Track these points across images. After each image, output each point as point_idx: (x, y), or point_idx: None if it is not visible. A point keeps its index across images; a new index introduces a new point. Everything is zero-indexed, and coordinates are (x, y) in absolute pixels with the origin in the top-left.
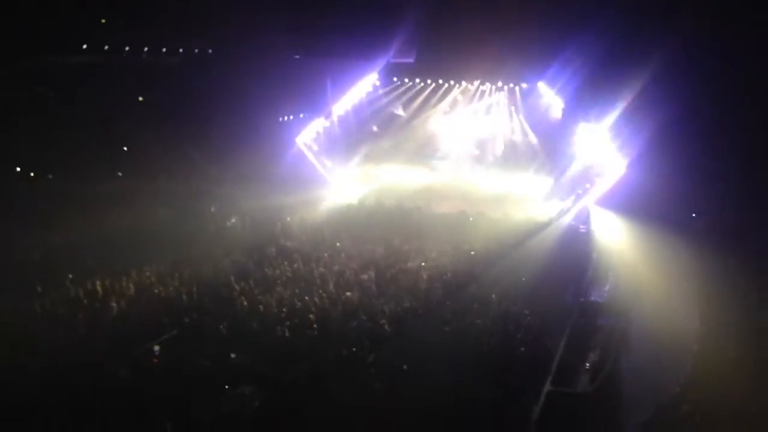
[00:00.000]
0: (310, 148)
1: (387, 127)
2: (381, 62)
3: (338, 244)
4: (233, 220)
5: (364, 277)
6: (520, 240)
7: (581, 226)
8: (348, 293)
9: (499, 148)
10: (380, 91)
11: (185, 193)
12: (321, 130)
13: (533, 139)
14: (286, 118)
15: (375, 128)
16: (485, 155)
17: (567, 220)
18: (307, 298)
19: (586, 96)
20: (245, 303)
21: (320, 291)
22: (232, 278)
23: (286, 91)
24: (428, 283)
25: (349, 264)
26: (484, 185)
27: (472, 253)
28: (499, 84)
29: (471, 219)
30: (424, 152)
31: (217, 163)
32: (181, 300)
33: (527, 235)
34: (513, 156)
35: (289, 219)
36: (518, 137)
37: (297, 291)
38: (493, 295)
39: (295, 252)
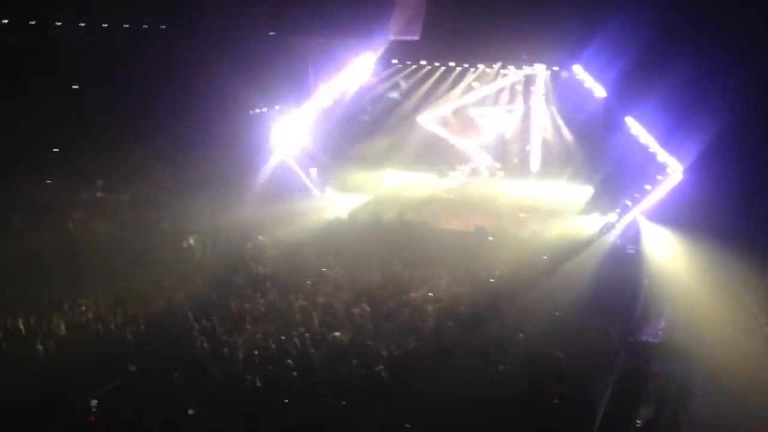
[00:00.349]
0: (288, 148)
1: (385, 121)
2: (377, 41)
3: (324, 269)
4: (191, 240)
5: (357, 311)
6: (553, 264)
7: (629, 247)
8: (336, 333)
9: (525, 148)
10: (377, 77)
11: (130, 205)
12: (302, 126)
13: (568, 136)
14: (258, 110)
15: (367, 117)
16: (508, 157)
17: (611, 238)
18: (284, 338)
19: (634, 83)
20: (206, 345)
21: (301, 329)
22: (190, 314)
23: (258, 76)
24: (437, 320)
25: (337, 295)
26: (506, 195)
27: (492, 280)
28: (525, 67)
29: (490, 238)
30: (431, 154)
31: (171, 168)
32: (125, 341)
33: (561, 258)
34: (543, 158)
35: (261, 238)
36: (549, 134)
37: (272, 329)
38: (520, 335)
39: (270, 280)
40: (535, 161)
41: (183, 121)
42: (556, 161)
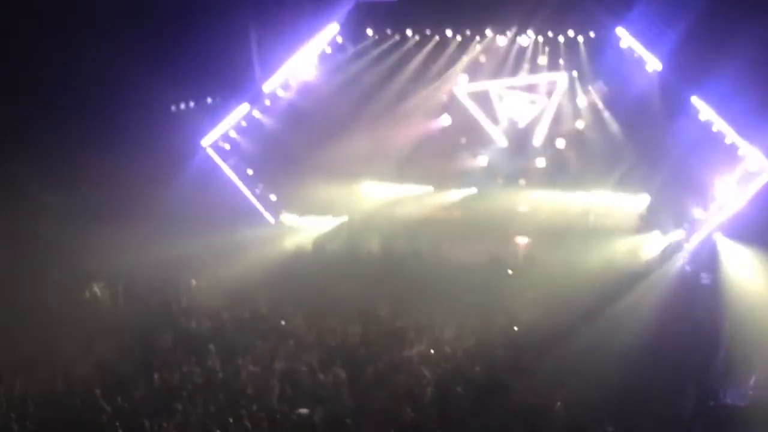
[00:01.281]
0: (227, 156)
1: (361, 115)
2: (343, 3)
3: (282, 322)
4: (95, 289)
5: (329, 379)
6: (599, 304)
7: (703, 275)
8: (302, 410)
9: (553, 145)
10: (346, 55)
11: (4, 244)
12: (246, 126)
13: (612, 126)
14: (181, 106)
15: (335, 111)
16: (530, 156)
17: (678, 264)
18: (231, 420)
19: (702, 51)
20: None
21: (253, 407)
22: (98, 392)
23: (179, 58)
24: (441, 386)
25: (302, 357)
26: (530, 210)
27: (516, 329)
28: (550, 33)
29: (510, 271)
30: (425, 157)
31: (61, 190)
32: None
33: (610, 296)
34: (579, 157)
35: (195, 282)
36: (586, 123)
37: (213, 409)
38: (558, 404)
39: (208, 340)
40: (569, 162)
41: (75, 127)
42: (596, 161)
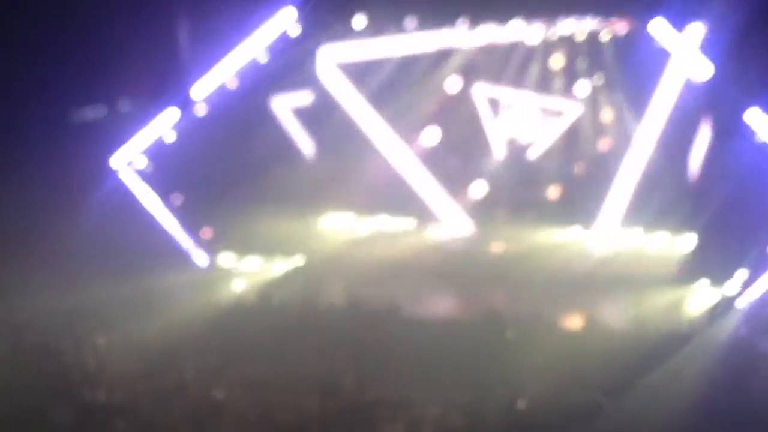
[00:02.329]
0: (146, 179)
1: (321, 128)
2: None
3: (216, 394)
4: None
5: None
6: (627, 375)
7: (762, 340)
8: None
9: (570, 170)
10: (303, 47)
11: None
12: (171, 140)
13: (646, 147)
14: (89, 114)
15: (289, 122)
16: (541, 185)
17: (730, 326)
18: None
19: (763, 55)
20: None
21: None
22: None
23: (84, 55)
24: None
25: None
26: (537, 254)
27: (520, 407)
28: (565, 26)
29: (511, 331)
30: (404, 183)
31: None
32: None
33: (641, 364)
34: (603, 186)
35: (102, 341)
36: (612, 144)
37: None
38: None
39: (118, 416)
40: (590, 193)
41: None
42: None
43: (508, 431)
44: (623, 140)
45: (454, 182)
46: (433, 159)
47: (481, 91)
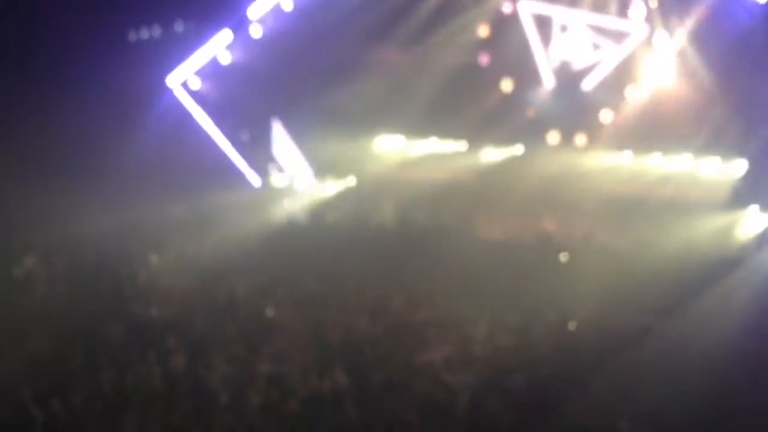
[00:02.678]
0: (201, 100)
1: (377, 49)
2: None
3: (268, 311)
4: (30, 264)
5: (327, 384)
6: (676, 298)
7: None
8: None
9: (623, 94)
10: None
11: None
12: (227, 60)
13: (700, 71)
14: (142, 34)
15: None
16: (593, 109)
17: None
18: None
19: None
20: None
21: (229, 418)
22: (28, 396)
23: None
24: (470, 400)
25: (292, 357)
26: (591, 178)
27: (570, 327)
28: None
29: (564, 253)
30: (456, 106)
31: None
32: None
33: (691, 288)
34: (656, 111)
35: (155, 259)
36: (667, 68)
37: (175, 420)
38: (622, 423)
39: (171, 332)
40: (643, 117)
41: (5, 60)
42: (678, 117)
43: (557, 352)
44: (678, 64)
45: (506, 105)
46: (484, 82)
47: (531, 10)
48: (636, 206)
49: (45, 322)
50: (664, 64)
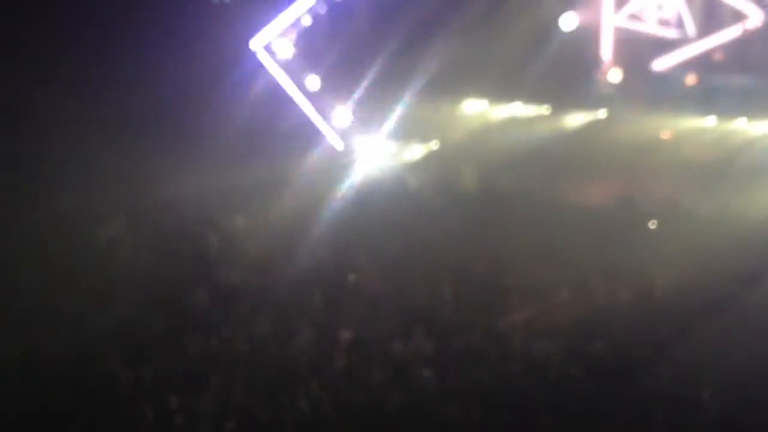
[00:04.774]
0: (284, 62)
1: (460, 11)
2: None
3: (351, 275)
4: (113, 229)
5: (409, 350)
6: (764, 265)
7: None
8: (366, 391)
9: (708, 54)
10: None
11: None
12: (310, 22)
13: None
14: None
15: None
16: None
17: None
18: (282, 399)
19: None
20: (145, 413)
21: (311, 384)
22: (114, 360)
23: None
24: (550, 366)
25: (374, 322)
26: (675, 140)
27: (657, 296)
28: None
29: (652, 220)
30: (539, 69)
31: (68, 96)
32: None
33: None
34: (743, 71)
35: (240, 222)
36: (754, 24)
37: (258, 384)
38: (707, 393)
39: (255, 297)
40: (730, 78)
41: (90, 21)
42: None
43: (641, 318)
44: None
45: (589, 67)
46: (568, 44)
47: None
48: (721, 171)
49: (129, 286)
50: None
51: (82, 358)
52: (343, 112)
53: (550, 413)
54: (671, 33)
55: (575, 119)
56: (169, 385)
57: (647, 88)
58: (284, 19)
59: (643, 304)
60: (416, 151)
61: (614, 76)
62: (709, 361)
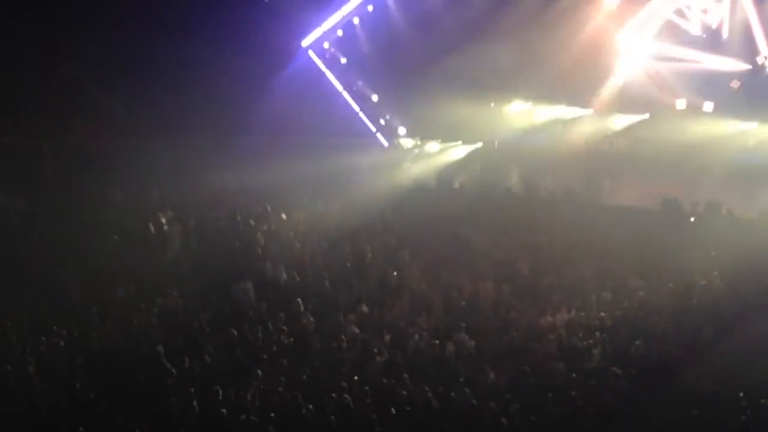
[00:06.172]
0: (333, 62)
1: (506, 16)
2: None
3: (395, 273)
4: (164, 221)
5: (450, 347)
6: None
7: None
8: (408, 387)
9: (752, 58)
10: None
11: (56, 161)
12: (358, 24)
13: None
14: None
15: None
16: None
17: None
18: (325, 393)
19: None
20: (191, 404)
21: (354, 378)
22: (162, 350)
23: None
24: (591, 364)
25: (418, 319)
26: (718, 144)
27: (695, 300)
28: None
29: (692, 219)
30: (584, 72)
31: (124, 92)
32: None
33: None
34: None
35: (285, 218)
36: None
37: (302, 377)
38: (740, 394)
39: (300, 292)
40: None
41: (145, 20)
42: None
43: (679, 319)
44: None
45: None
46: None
47: None
48: (764, 174)
49: (177, 279)
50: None
51: (129, 346)
52: (390, 111)
53: (588, 410)
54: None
55: (618, 121)
56: (214, 376)
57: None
58: (336, 19)
59: (682, 306)
60: (461, 150)
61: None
62: (744, 362)
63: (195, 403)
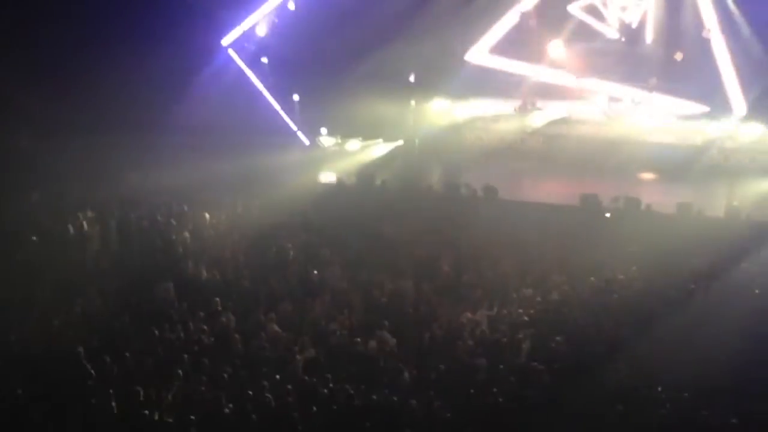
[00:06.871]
0: (253, 60)
1: (426, 10)
2: None
3: (315, 272)
4: (83, 222)
5: (373, 344)
6: (721, 264)
7: None
8: (330, 385)
9: (670, 56)
10: None
11: None
12: (278, 21)
13: (745, 29)
14: None
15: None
16: (642, 70)
17: None
18: (246, 391)
19: None
20: (109, 405)
21: (275, 377)
22: (81, 351)
23: None
24: (511, 361)
25: (339, 317)
26: (638, 139)
27: (615, 295)
28: None
29: (608, 215)
30: (505, 66)
31: (42, 93)
32: None
33: (738, 253)
34: (702, 73)
35: (208, 217)
36: (711, 26)
37: (224, 376)
38: (660, 388)
39: (221, 291)
40: (690, 80)
41: (65, 22)
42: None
43: (599, 315)
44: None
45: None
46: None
47: None
48: (682, 169)
49: (96, 279)
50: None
51: (48, 347)
52: (310, 109)
53: (511, 405)
54: None
55: (539, 118)
56: (134, 376)
57: None
58: (255, 17)
59: (602, 301)
60: (382, 148)
61: None
62: (663, 357)
63: (115, 403)
